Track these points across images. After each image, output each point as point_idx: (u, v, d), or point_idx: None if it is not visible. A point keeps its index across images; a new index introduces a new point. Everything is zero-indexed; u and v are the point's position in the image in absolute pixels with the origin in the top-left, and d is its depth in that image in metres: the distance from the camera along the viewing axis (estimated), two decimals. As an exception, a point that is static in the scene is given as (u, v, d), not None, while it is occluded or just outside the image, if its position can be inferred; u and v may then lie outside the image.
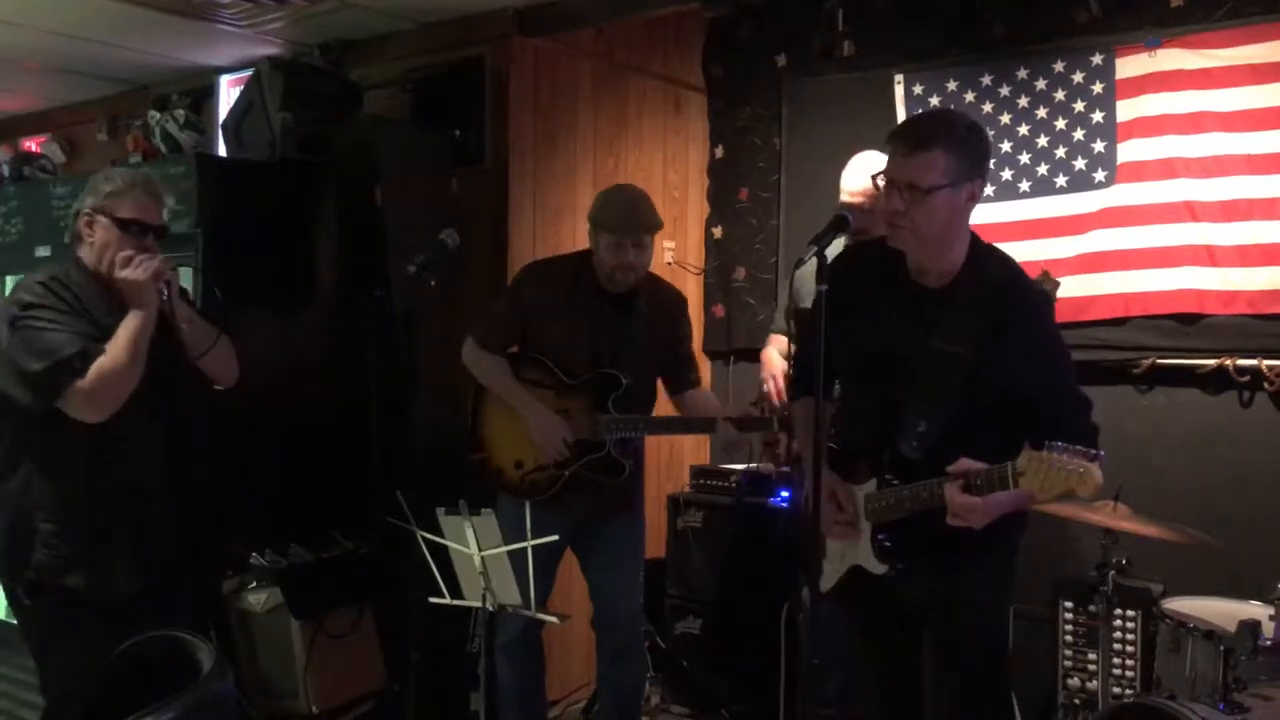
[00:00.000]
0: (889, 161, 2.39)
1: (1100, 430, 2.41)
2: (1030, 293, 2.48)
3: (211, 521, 3.09)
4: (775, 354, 4.00)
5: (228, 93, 5.27)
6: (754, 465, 4.38)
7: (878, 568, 2.47)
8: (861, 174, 3.39)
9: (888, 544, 2.44)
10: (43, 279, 2.79)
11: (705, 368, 5.13)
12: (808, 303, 3.83)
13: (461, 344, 3.50)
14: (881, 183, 2.40)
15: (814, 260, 2.33)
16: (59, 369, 2.66)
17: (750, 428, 3.31)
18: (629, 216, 3.34)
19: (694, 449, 5.19)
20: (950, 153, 2.32)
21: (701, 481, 4.55)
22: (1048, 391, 2.36)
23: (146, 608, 2.76)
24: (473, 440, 3.50)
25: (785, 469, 4.16)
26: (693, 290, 5.18)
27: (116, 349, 2.71)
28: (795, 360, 2.96)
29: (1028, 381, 2.16)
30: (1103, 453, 2.07)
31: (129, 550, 2.82)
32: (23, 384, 2.69)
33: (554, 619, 2.97)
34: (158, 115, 4.93)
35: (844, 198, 3.69)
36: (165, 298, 2.80)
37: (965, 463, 2.24)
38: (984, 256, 2.47)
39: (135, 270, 2.74)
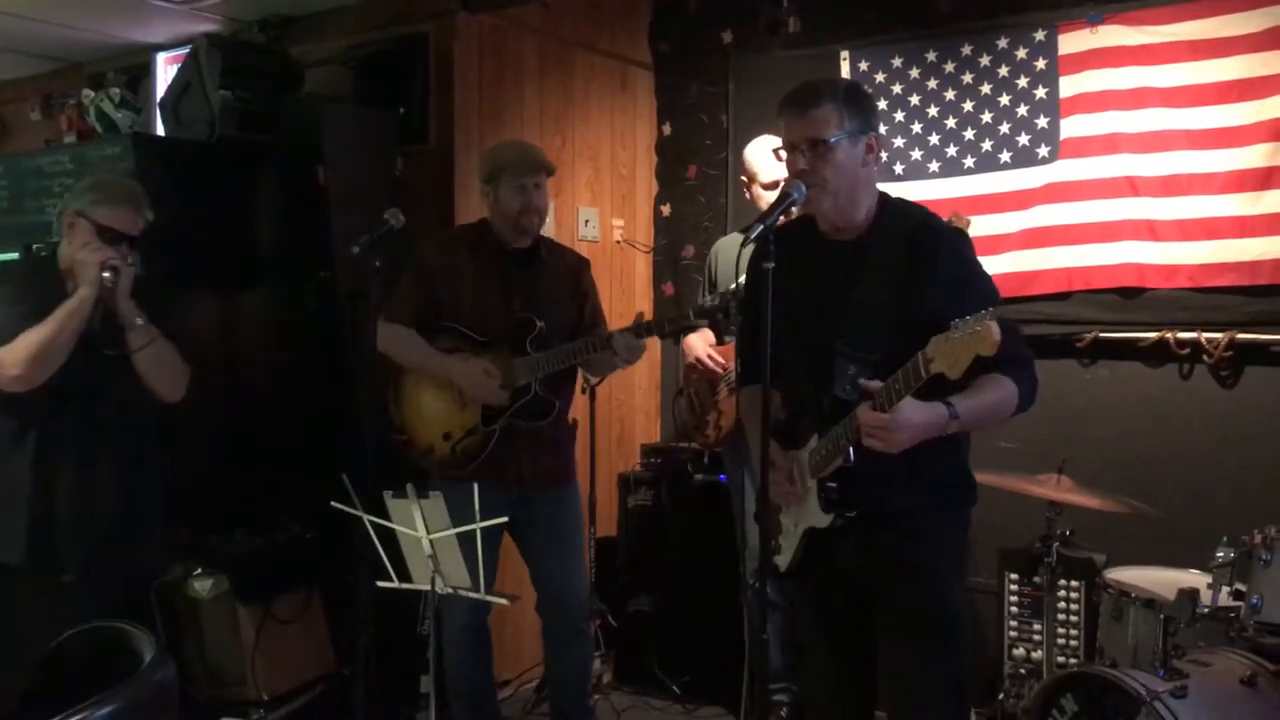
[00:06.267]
0: (785, 128, 2.48)
1: (1034, 360, 2.43)
2: (943, 230, 2.52)
3: (147, 513, 3.12)
4: (695, 337, 3.98)
5: (165, 71, 5.15)
6: (684, 444, 4.41)
7: (823, 519, 2.45)
8: (771, 156, 3.42)
9: (833, 485, 2.43)
10: (8, 264, 3.04)
11: (654, 346, 5.14)
12: (725, 285, 3.85)
13: None
14: (784, 154, 2.49)
15: (730, 240, 2.35)
16: None
17: (645, 333, 3.33)
18: (522, 154, 3.48)
19: (644, 427, 5.20)
20: (839, 106, 2.43)
21: (652, 460, 4.57)
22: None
23: (81, 593, 2.85)
24: (396, 424, 3.48)
25: (717, 450, 4.16)
26: (641, 268, 5.17)
27: (47, 322, 2.86)
28: (738, 346, 2.98)
29: (950, 312, 2.16)
30: (992, 309, 2.05)
31: (71, 533, 2.92)
32: None
33: (504, 600, 2.96)
34: (93, 94, 4.83)
35: (764, 181, 3.72)
36: (110, 285, 2.91)
37: (874, 384, 2.25)
38: (894, 206, 2.55)
39: (90, 252, 2.92)
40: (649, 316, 5.09)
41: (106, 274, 2.90)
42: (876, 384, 2.24)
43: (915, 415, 2.23)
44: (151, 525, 3.18)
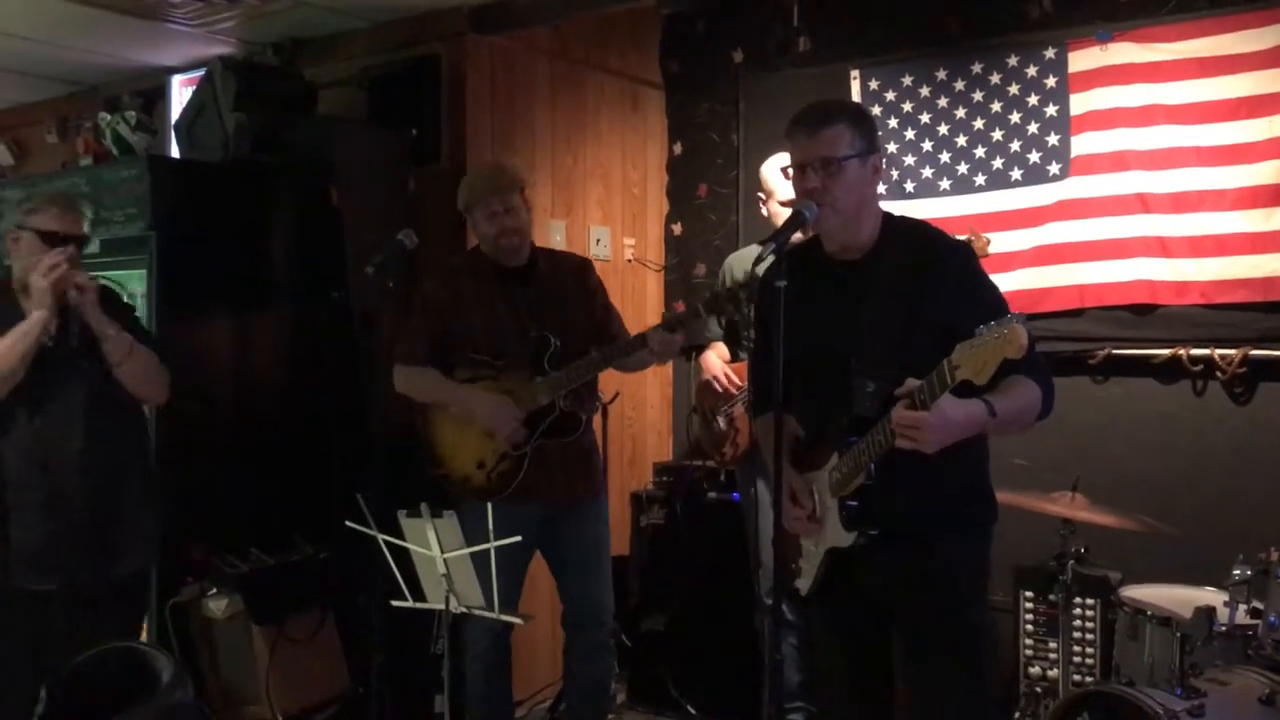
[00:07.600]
0: (795, 148, 2.49)
1: (1049, 367, 2.43)
2: (949, 242, 2.55)
3: (131, 522, 3.15)
4: (712, 355, 4.00)
5: (180, 93, 5.21)
6: (697, 462, 4.40)
7: (845, 539, 2.44)
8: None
9: (854, 504, 2.42)
10: None
11: (667, 365, 5.14)
12: None
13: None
14: (791, 173, 2.50)
15: (744, 254, 2.35)
16: None
17: (677, 325, 3.28)
18: (487, 181, 3.44)
19: (657, 446, 5.20)
20: (851, 126, 2.45)
21: (664, 479, 4.56)
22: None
23: (61, 604, 2.93)
24: (431, 458, 3.47)
25: (731, 467, 4.16)
26: (653, 287, 5.18)
27: None
28: (751, 374, 2.97)
29: (963, 322, 2.16)
30: (1018, 314, 2.05)
31: (34, 546, 2.96)
32: None
33: (519, 620, 2.96)
34: (108, 116, 4.86)
35: (781, 199, 3.73)
36: (75, 304, 2.94)
37: (911, 382, 2.24)
38: (897, 224, 2.57)
39: (41, 276, 2.90)
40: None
41: (72, 292, 2.92)
42: (915, 382, 2.22)
43: (955, 413, 2.22)
44: (140, 534, 3.18)
